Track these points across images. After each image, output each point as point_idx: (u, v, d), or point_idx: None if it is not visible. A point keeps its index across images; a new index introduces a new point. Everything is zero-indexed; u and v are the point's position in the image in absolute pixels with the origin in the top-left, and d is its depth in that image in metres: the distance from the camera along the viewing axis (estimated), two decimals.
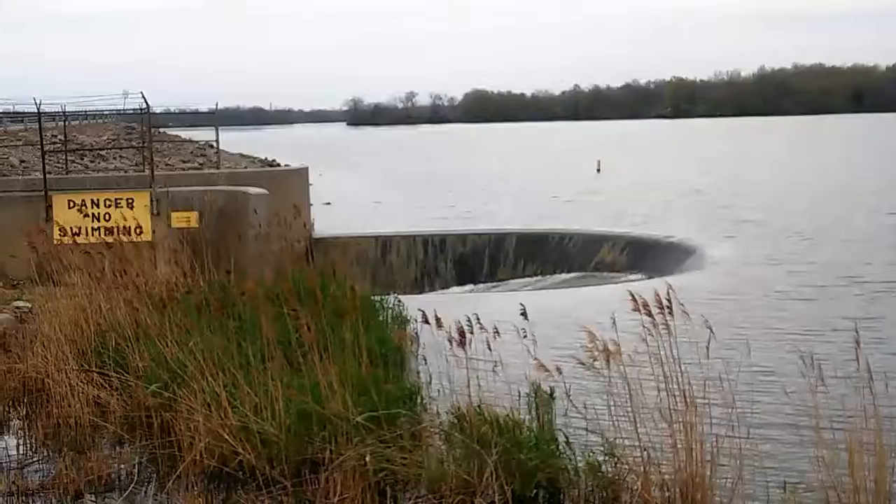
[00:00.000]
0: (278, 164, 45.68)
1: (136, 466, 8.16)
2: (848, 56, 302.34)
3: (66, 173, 26.94)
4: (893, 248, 21.01)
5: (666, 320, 7.07)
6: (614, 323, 7.34)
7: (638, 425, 7.01)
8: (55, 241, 16.23)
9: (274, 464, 7.66)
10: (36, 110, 22.01)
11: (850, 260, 19.09)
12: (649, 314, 7.09)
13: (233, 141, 52.72)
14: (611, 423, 7.23)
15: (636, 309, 7.10)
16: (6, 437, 9.22)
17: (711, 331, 6.97)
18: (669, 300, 7.09)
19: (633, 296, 7.09)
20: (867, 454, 6.19)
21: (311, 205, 26.32)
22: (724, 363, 7.51)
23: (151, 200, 19.30)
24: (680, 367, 6.95)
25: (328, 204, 35.21)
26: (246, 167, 39.59)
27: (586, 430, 7.73)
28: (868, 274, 17.40)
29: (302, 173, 26.20)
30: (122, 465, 8.18)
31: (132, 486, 7.77)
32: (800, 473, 7.35)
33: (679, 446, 6.74)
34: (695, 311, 7.26)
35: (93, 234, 18.22)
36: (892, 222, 25.58)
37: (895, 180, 38.62)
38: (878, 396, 6.38)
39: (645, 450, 6.86)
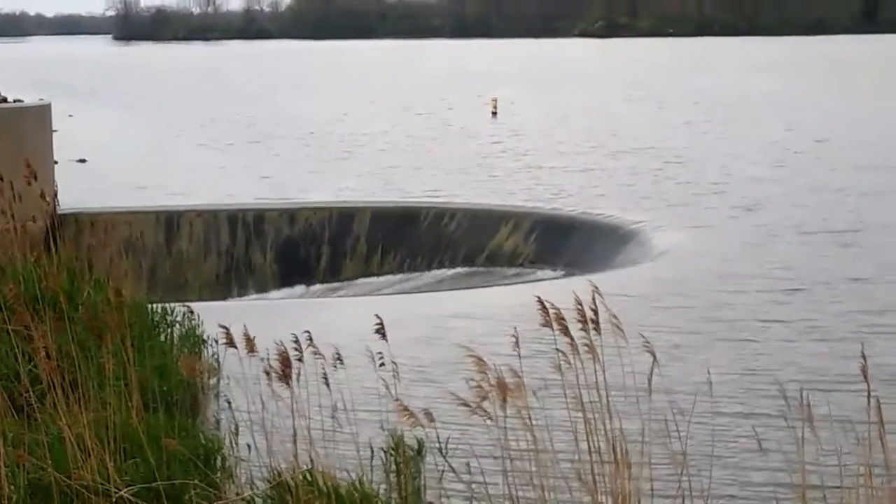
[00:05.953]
0: (3, 99, 44.48)
1: None
2: None
3: None
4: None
5: (590, 340, 7.17)
6: (516, 343, 7.40)
7: (546, 494, 7.11)
8: None
9: None
10: None
11: (841, 257, 19.59)
12: (565, 331, 7.18)
13: None
14: (507, 491, 7.31)
15: (547, 323, 7.18)
16: None
17: (654, 357, 7.10)
18: (595, 310, 7.19)
19: (542, 303, 7.17)
20: None
21: (55, 163, 25.73)
22: (671, 401, 7.69)
23: None
24: (609, 408, 7.07)
25: (83, 161, 34.70)
26: None
27: (470, 502, 7.80)
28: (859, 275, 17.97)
29: (40, 114, 25.66)
30: None
31: None
32: None
33: None
34: (632, 324, 7.39)
35: None
36: None
37: None
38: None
39: None
